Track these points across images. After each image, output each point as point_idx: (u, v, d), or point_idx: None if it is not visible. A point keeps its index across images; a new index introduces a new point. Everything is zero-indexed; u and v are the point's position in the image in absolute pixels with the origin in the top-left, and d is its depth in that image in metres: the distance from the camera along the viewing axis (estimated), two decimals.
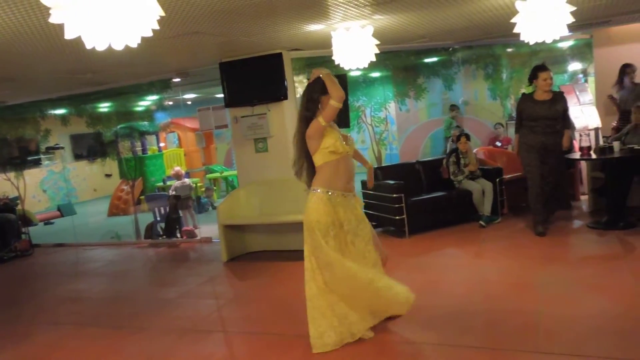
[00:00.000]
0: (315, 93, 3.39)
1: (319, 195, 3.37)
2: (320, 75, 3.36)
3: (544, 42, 4.46)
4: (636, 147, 5.55)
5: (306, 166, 3.49)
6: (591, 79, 7.88)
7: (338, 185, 3.41)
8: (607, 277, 4.22)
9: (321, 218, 3.34)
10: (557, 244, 5.32)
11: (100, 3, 2.28)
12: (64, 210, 11.56)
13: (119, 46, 2.46)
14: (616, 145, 5.61)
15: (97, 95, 9.01)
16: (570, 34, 6.28)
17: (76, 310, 4.96)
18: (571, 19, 4.19)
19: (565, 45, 8.16)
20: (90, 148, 12.86)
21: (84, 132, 11.33)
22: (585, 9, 5.33)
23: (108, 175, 13.06)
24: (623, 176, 5.60)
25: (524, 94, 5.84)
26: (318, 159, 3.41)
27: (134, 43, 2.50)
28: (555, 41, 4.60)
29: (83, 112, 10.02)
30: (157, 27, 2.51)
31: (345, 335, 3.39)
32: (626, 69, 6.57)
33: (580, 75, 8.64)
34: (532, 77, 5.59)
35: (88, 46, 2.44)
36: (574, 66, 8.56)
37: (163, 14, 2.50)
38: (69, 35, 2.38)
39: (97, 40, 2.40)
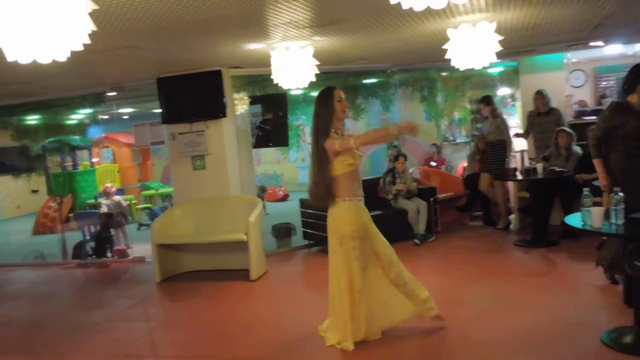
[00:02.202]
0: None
1: (348, 205, 3.56)
2: (399, 131, 3.54)
3: (474, 68, 4.68)
4: (557, 169, 5.90)
5: (325, 178, 3.54)
6: (518, 104, 8.34)
7: (358, 192, 3.63)
8: (532, 293, 4.42)
9: (353, 227, 3.54)
10: (486, 261, 5.53)
11: (24, 14, 2.16)
12: None
13: (45, 60, 2.34)
14: (539, 167, 5.94)
15: (25, 107, 8.55)
16: (498, 61, 6.63)
17: None
18: (499, 48, 4.43)
19: (494, 70, 8.60)
20: (14, 162, 12.14)
21: (8, 145, 10.69)
22: (512, 38, 5.65)
23: (34, 191, 12.36)
24: (546, 196, 5.93)
25: (617, 103, 4.12)
26: (338, 169, 3.52)
27: (62, 57, 2.39)
28: (485, 67, 4.83)
29: (8, 124, 9.47)
30: (88, 41, 2.42)
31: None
32: (479, 105, 7.08)
33: (510, 100, 9.12)
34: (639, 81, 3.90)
35: (9, 59, 2.32)
36: (503, 91, 9.02)
37: (95, 28, 2.41)
38: None
39: (20, 53, 2.28)
